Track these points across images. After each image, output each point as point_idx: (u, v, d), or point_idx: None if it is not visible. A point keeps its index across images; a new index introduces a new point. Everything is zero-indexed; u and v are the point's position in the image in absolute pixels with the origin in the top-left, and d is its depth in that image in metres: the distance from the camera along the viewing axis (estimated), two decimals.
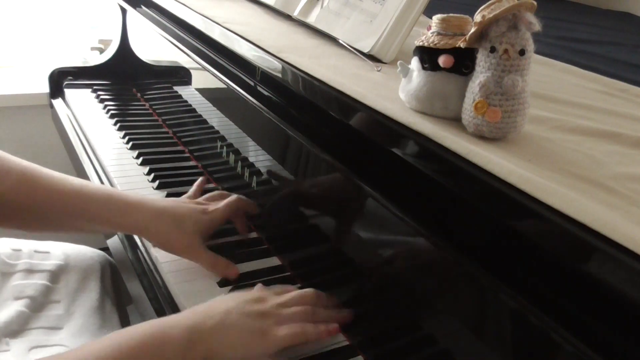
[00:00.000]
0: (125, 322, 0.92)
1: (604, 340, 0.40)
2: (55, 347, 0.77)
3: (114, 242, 0.90)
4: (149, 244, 0.81)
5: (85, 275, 0.90)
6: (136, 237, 0.85)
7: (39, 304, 0.83)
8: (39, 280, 0.86)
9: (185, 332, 0.57)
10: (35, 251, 0.91)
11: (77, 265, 0.91)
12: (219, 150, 0.97)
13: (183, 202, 0.80)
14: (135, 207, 0.75)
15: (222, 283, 0.74)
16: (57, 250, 0.92)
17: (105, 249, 0.98)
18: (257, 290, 0.67)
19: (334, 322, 0.65)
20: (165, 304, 0.72)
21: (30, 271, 0.87)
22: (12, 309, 0.79)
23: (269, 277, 0.76)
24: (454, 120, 0.55)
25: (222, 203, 0.80)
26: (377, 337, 0.65)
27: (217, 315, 0.59)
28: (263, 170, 0.85)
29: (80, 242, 0.99)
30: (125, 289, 0.94)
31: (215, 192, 0.85)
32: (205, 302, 0.63)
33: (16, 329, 0.77)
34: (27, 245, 0.92)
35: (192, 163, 1.07)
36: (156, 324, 0.59)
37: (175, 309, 0.71)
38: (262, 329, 0.60)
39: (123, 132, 1.16)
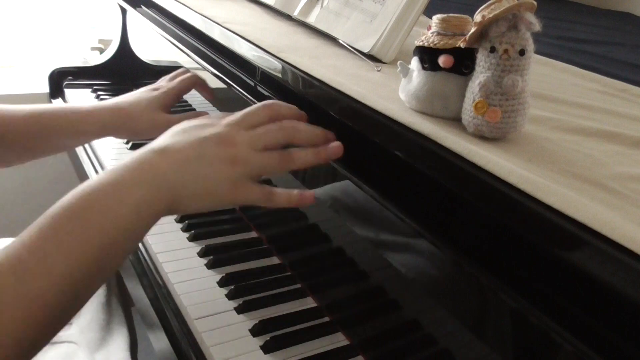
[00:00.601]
0: (130, 323, 0.93)
1: (604, 340, 0.40)
2: (65, 343, 0.77)
3: None
4: (149, 245, 0.81)
5: None
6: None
7: None
8: None
9: (137, 180, 0.50)
10: None
11: None
12: None
13: (135, 91, 0.84)
14: (92, 110, 0.78)
15: (222, 283, 0.74)
16: None
17: None
18: (223, 123, 0.57)
19: (319, 140, 0.57)
20: (164, 303, 0.72)
21: None
22: None
23: (269, 277, 0.77)
24: (454, 120, 0.55)
25: (176, 80, 0.83)
26: (377, 337, 0.65)
27: (177, 152, 0.52)
28: None
29: None
30: (126, 290, 0.94)
31: (176, 72, 0.87)
32: (163, 138, 0.55)
33: None
34: None
35: None
36: (105, 177, 0.51)
37: (175, 309, 0.71)
38: (233, 172, 0.53)
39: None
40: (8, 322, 0.42)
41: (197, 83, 0.84)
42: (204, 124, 0.56)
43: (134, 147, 1.10)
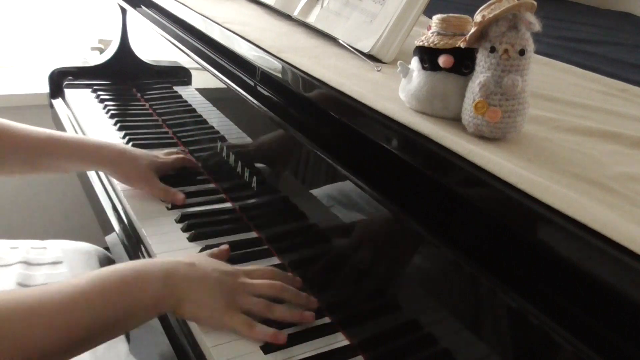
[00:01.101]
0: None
1: (604, 340, 0.40)
2: None
3: (112, 238, 0.90)
4: (149, 245, 0.81)
5: (84, 270, 0.91)
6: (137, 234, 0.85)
7: None
8: (38, 272, 0.87)
9: (164, 273, 0.62)
10: (32, 247, 0.92)
11: (75, 259, 0.92)
12: (219, 150, 0.97)
13: (140, 149, 1.00)
14: (104, 146, 0.92)
15: None
16: (55, 247, 0.93)
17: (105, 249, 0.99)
18: (231, 266, 0.72)
19: (301, 303, 0.69)
20: None
21: (28, 264, 0.88)
22: None
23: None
24: (454, 120, 0.55)
25: (172, 157, 1.00)
26: (377, 337, 0.65)
27: (196, 270, 0.65)
28: (263, 170, 0.85)
29: (80, 238, 0.99)
30: None
31: (172, 150, 1.04)
32: (187, 255, 0.72)
33: None
34: (23, 244, 0.93)
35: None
36: (138, 264, 0.64)
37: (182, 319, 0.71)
38: (228, 301, 0.65)
39: (123, 132, 1.16)
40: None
41: (186, 163, 1.02)
42: (226, 267, 0.70)
43: (134, 147, 1.10)
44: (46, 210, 1.78)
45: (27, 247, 0.92)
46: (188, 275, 0.64)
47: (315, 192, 0.74)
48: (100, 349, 0.82)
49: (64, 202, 1.79)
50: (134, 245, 0.84)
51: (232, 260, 0.79)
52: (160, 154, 0.99)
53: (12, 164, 0.87)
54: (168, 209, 0.90)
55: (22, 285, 0.83)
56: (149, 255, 0.80)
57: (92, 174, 1.04)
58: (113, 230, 0.90)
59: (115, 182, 0.97)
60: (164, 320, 0.70)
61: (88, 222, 1.50)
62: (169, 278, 0.62)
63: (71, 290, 0.56)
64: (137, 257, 0.82)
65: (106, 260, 0.96)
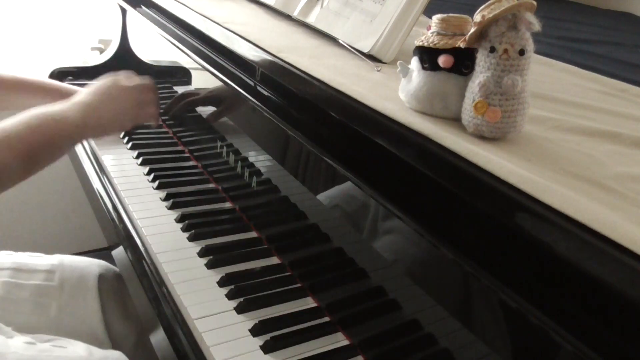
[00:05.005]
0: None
1: (604, 340, 0.40)
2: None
3: (118, 253, 0.90)
4: (149, 245, 0.81)
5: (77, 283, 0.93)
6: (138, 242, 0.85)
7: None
8: (35, 282, 0.89)
9: (77, 113, 0.79)
10: (30, 255, 0.94)
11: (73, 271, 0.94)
12: (219, 150, 0.97)
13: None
14: (63, 86, 1.04)
15: (222, 283, 0.74)
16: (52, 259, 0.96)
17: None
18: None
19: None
20: (164, 303, 0.72)
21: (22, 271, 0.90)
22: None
23: (269, 277, 0.77)
24: (454, 120, 0.55)
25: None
26: (377, 337, 0.65)
27: (100, 99, 0.82)
28: (263, 170, 0.85)
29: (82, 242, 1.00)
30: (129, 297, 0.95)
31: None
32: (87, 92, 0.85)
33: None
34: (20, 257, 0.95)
35: (192, 163, 1.07)
36: (57, 107, 0.79)
37: (176, 309, 0.71)
38: (132, 106, 0.85)
39: (123, 132, 1.16)
40: None
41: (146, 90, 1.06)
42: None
43: (134, 147, 1.10)
44: (47, 206, 1.78)
45: (24, 255, 0.94)
46: (102, 102, 0.81)
47: (314, 192, 0.74)
48: (101, 349, 0.83)
49: (65, 204, 1.79)
50: (135, 246, 0.84)
51: (232, 260, 0.79)
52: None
53: None
54: (168, 208, 0.90)
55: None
56: (150, 255, 0.80)
57: (91, 173, 1.04)
58: (113, 231, 0.90)
59: (115, 182, 0.97)
60: (163, 320, 0.70)
61: (90, 227, 1.50)
62: (87, 110, 0.79)
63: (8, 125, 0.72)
64: (137, 256, 0.82)
65: (111, 274, 0.98)
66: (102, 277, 0.95)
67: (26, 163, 0.72)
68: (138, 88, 0.88)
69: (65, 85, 1.05)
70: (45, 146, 0.74)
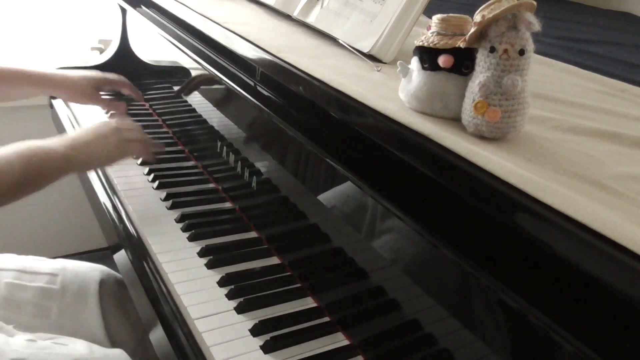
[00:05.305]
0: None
1: (604, 340, 0.40)
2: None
3: (120, 257, 0.90)
4: (149, 245, 0.81)
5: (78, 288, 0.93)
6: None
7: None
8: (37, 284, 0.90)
9: (66, 147, 0.82)
10: (34, 259, 0.95)
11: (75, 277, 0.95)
12: (218, 150, 0.97)
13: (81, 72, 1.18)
14: (49, 73, 1.11)
15: (222, 283, 0.74)
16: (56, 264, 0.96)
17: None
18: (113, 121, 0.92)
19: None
20: (164, 303, 0.72)
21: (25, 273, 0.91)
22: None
23: (269, 277, 0.77)
24: (454, 120, 0.55)
25: (108, 74, 1.17)
26: (377, 337, 0.65)
27: (88, 136, 0.87)
28: (263, 170, 0.85)
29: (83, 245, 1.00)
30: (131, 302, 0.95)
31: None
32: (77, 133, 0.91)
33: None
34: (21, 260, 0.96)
35: (192, 163, 1.07)
36: (45, 142, 0.82)
37: (176, 309, 0.71)
38: (118, 143, 0.88)
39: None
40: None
41: (123, 86, 1.19)
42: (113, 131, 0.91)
43: None
44: (47, 206, 1.78)
45: (25, 259, 0.95)
46: (88, 143, 0.85)
47: (314, 192, 0.74)
48: (101, 350, 0.83)
49: (65, 204, 1.79)
50: (135, 246, 0.84)
51: (232, 260, 0.79)
52: (98, 73, 1.18)
53: None
54: (168, 208, 0.90)
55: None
56: (150, 255, 0.80)
57: (92, 174, 1.04)
58: (114, 231, 0.90)
59: (115, 182, 0.97)
60: (163, 320, 0.70)
61: (90, 227, 1.50)
62: (73, 147, 0.83)
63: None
64: (137, 256, 0.82)
65: (112, 279, 0.98)
66: (103, 283, 0.96)
67: (15, 190, 0.75)
68: (124, 126, 0.92)
69: (42, 71, 1.12)
70: (35, 175, 0.78)
